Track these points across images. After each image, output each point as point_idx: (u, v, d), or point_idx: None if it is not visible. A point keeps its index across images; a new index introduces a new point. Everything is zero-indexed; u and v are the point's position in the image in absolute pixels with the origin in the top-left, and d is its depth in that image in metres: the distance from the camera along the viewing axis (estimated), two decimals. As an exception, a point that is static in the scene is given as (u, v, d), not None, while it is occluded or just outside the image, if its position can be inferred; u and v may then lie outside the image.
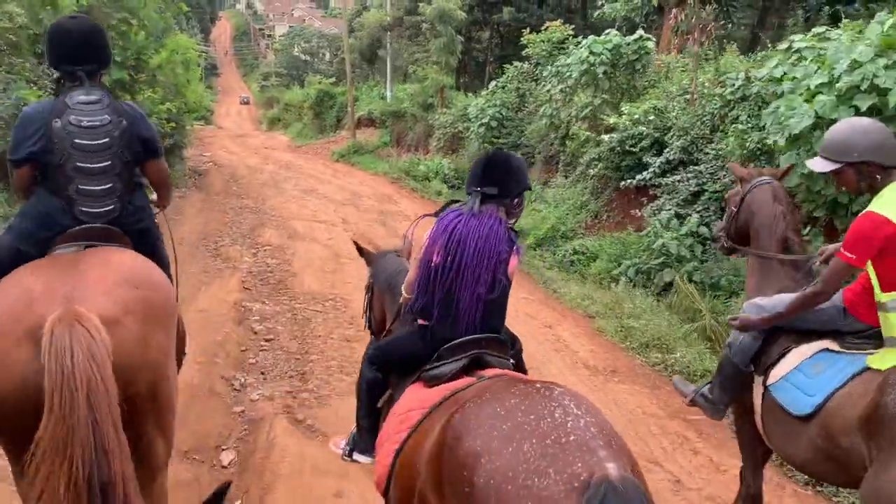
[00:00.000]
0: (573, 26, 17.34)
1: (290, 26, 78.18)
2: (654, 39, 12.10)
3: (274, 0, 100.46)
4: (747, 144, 8.63)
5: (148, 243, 3.17)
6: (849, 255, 2.85)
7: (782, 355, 3.20)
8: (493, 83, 18.01)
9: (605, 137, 11.37)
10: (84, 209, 2.93)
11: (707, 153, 9.96)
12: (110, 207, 2.99)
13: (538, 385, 2.06)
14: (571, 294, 8.43)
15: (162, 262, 3.22)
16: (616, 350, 6.81)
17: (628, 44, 11.74)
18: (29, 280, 2.53)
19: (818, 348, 3.10)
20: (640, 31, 11.91)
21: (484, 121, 17.10)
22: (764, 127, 8.77)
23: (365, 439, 2.94)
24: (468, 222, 2.58)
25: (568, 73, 12.14)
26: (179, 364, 3.33)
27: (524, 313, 7.75)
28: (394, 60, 31.53)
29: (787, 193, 3.77)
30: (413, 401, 2.49)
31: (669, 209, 9.69)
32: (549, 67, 12.85)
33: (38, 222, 2.93)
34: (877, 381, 2.77)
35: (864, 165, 2.89)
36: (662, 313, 7.50)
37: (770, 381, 3.20)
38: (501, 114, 17.12)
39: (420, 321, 2.73)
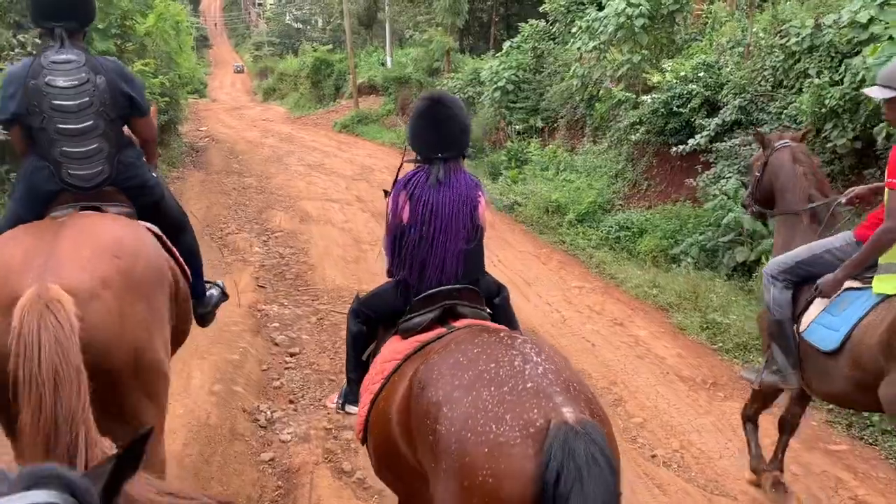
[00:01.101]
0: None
1: (281, -6, 75.54)
2: (697, -13, 10.81)
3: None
4: (826, 101, 7.41)
5: (146, 198, 3.04)
6: None
7: (810, 302, 3.33)
8: (507, 43, 16.61)
9: (647, 98, 10.12)
10: (71, 172, 2.82)
11: (769, 112, 8.73)
12: (98, 169, 2.87)
13: (501, 334, 2.13)
14: (633, 280, 7.26)
15: (168, 219, 3.13)
16: (707, 354, 5.67)
17: (668, -7, 10.44)
18: (9, 249, 2.48)
19: (841, 288, 3.20)
20: (681, -22, 10.60)
21: (500, 84, 15.75)
22: (841, 80, 7.59)
23: (354, 391, 2.89)
24: (442, 193, 2.55)
25: (601, 28, 10.83)
26: (182, 337, 3.20)
27: (586, 306, 6.62)
28: (392, 25, 29.92)
29: (808, 153, 3.85)
30: (389, 352, 2.51)
31: (729, 176, 8.50)
32: (578, 23, 11.55)
33: (28, 188, 2.86)
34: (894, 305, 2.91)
35: None
36: (746, 303, 6.36)
37: (802, 328, 3.34)
38: (518, 76, 15.77)
39: (397, 277, 2.72)
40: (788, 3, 9.69)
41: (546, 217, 9.98)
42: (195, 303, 3.37)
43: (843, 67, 7.70)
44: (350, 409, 2.98)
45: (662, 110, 9.96)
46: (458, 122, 2.65)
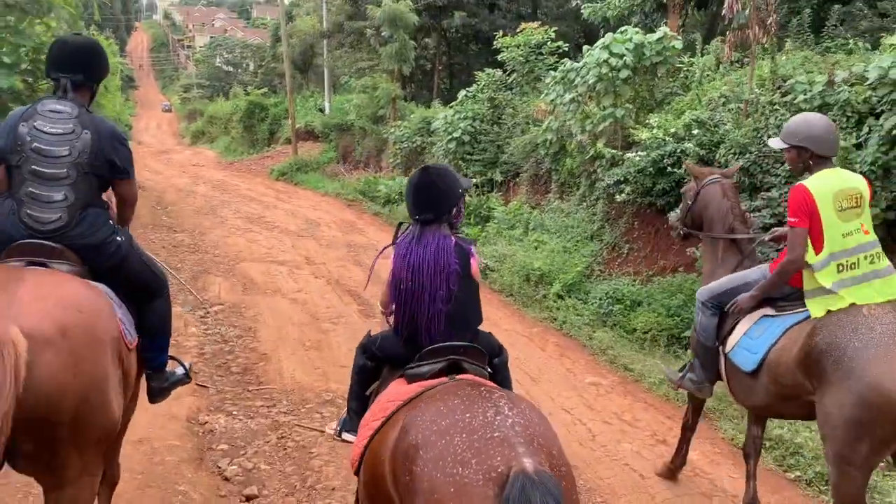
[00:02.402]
0: (555, 29, 15.08)
1: (212, 37, 73.89)
2: (681, 39, 9.93)
3: (193, 10, 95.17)
4: (856, 167, 6.49)
5: (104, 259, 2.96)
6: (795, 220, 3.35)
7: (734, 327, 3.73)
8: (461, 93, 15.57)
9: (631, 155, 9.11)
10: (30, 212, 2.82)
11: (777, 174, 7.81)
12: (56, 216, 2.83)
13: (482, 389, 2.27)
14: (653, 375, 5.99)
15: (133, 283, 3.08)
16: (783, 486, 4.42)
17: (650, 44, 9.54)
18: None
19: (759, 315, 3.64)
20: (665, 29, 9.72)
21: (455, 135, 14.64)
22: (865, 143, 6.75)
23: (353, 421, 2.99)
24: (416, 251, 2.71)
25: (577, 80, 9.84)
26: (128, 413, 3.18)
27: (612, 413, 5.32)
28: (331, 70, 28.70)
29: (735, 190, 4.24)
30: (392, 393, 2.59)
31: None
32: (552, 73, 10.54)
33: None
34: (806, 329, 3.31)
35: (803, 150, 3.45)
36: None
37: (727, 349, 3.74)
38: (474, 127, 14.70)
39: (396, 328, 2.85)
40: (785, 57, 8.92)
41: (528, 287, 8.74)
42: (151, 375, 3.36)
43: (865, 128, 6.87)
44: (347, 437, 3.07)
45: (650, 169, 8.96)
46: (437, 189, 2.80)
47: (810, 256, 3.34)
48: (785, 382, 3.35)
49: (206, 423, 5.03)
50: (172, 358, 3.47)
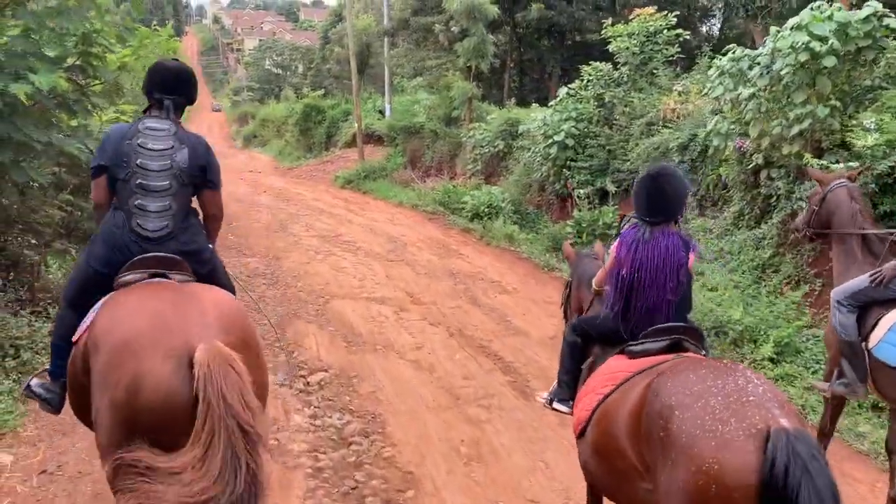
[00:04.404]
0: (676, 13, 12.73)
1: (260, 39, 72.75)
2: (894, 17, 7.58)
3: (242, 14, 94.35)
4: None
5: (202, 265, 3.12)
6: None
7: (877, 322, 3.68)
8: (563, 90, 13.32)
9: (841, 166, 6.79)
10: (139, 222, 2.96)
11: None
12: (164, 223, 3.00)
13: (725, 361, 2.35)
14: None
15: (223, 287, 3.15)
16: None
17: (856, 23, 7.24)
18: (147, 305, 2.55)
19: None
20: (875, 4, 7.39)
21: (557, 138, 12.41)
22: None
23: (564, 393, 3.24)
24: (645, 248, 2.85)
25: (758, 70, 7.56)
26: None
27: None
28: (392, 70, 26.65)
29: (861, 193, 4.19)
30: (619, 366, 2.75)
31: None
32: (717, 62, 8.26)
33: (103, 241, 2.99)
34: None
35: None
36: None
37: (871, 344, 3.69)
38: (579, 129, 12.47)
39: (614, 313, 2.97)
40: None
41: (722, 345, 6.47)
42: None
43: None
44: (559, 406, 3.28)
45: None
46: (668, 194, 2.89)
47: None
48: None
49: None
50: None
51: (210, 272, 3.15)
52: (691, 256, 2.90)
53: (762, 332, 6.39)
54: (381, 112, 26.58)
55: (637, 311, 2.86)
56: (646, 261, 2.82)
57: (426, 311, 7.73)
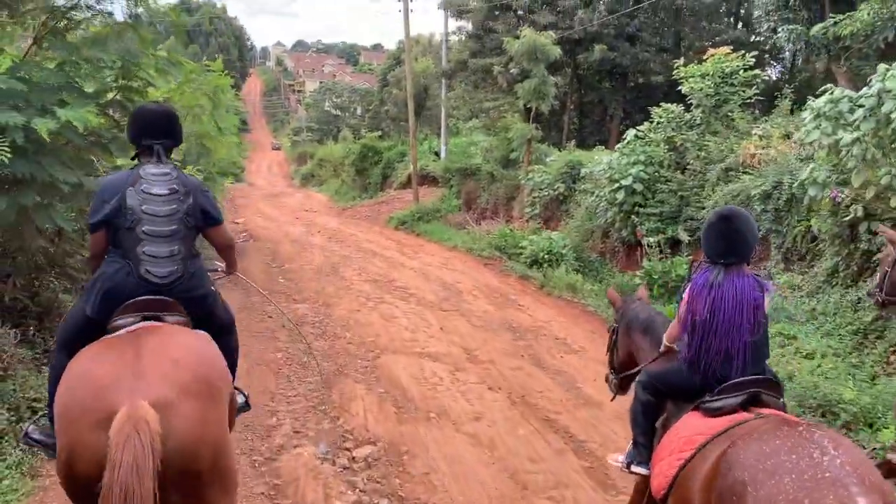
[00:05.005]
0: (753, 54, 11.89)
1: (321, 82, 74.29)
2: None
3: (304, 57, 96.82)
4: None
5: (204, 308, 3.12)
6: None
7: None
8: (630, 132, 12.55)
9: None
10: (149, 269, 2.93)
11: None
12: (173, 268, 2.98)
13: (801, 427, 2.21)
14: None
15: (217, 325, 3.18)
16: None
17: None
18: (97, 366, 2.54)
19: None
20: None
21: (625, 182, 11.61)
22: None
23: (642, 455, 3.09)
24: (720, 290, 2.78)
25: (862, 114, 6.66)
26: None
27: None
28: (448, 111, 26.33)
29: None
30: (696, 426, 2.64)
31: None
32: (811, 104, 7.38)
33: (103, 287, 2.93)
34: None
35: None
36: None
37: None
38: (648, 173, 11.64)
39: (690, 362, 2.86)
40: None
41: (836, 431, 5.50)
42: None
43: None
44: (638, 469, 3.12)
45: None
46: (741, 234, 2.83)
47: None
48: None
49: None
50: (235, 387, 3.24)
51: (212, 310, 3.17)
52: (766, 298, 2.85)
53: (880, 415, 5.40)
54: (437, 153, 26.24)
55: (713, 357, 2.77)
56: (721, 303, 2.76)
57: (484, 373, 6.95)
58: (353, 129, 52.04)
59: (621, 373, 3.82)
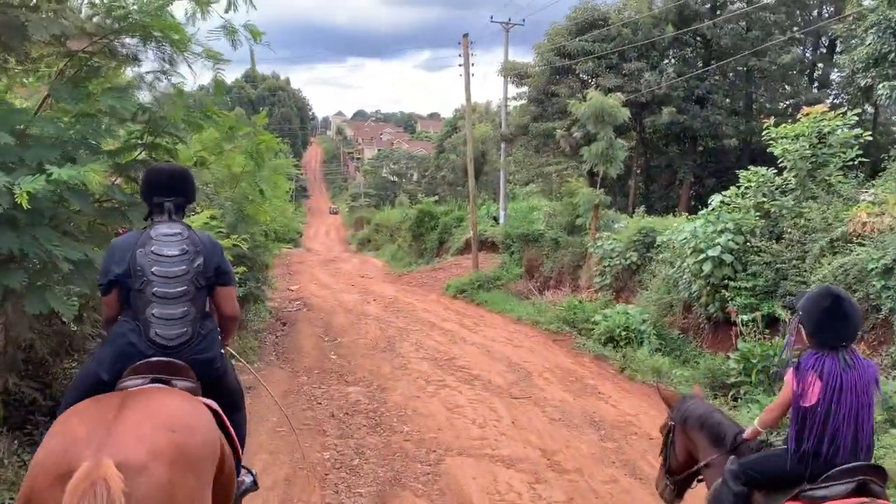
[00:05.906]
0: (856, 112, 10.61)
1: (379, 149, 75.37)
2: None
3: (363, 125, 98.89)
4: None
5: (212, 373, 3.03)
6: None
7: None
8: (715, 198, 11.30)
9: None
10: (158, 332, 2.88)
11: None
12: (183, 330, 2.92)
13: None
14: None
15: (227, 396, 3.08)
16: None
17: None
18: (74, 421, 2.49)
19: None
20: None
21: (712, 253, 10.30)
22: None
23: None
24: (848, 373, 2.68)
25: None
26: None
27: None
28: (507, 176, 25.47)
29: None
30: None
31: None
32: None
33: (113, 349, 2.90)
34: None
35: None
36: None
37: None
38: (737, 242, 10.32)
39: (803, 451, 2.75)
40: None
41: None
42: None
43: None
44: None
45: None
46: (851, 315, 2.78)
47: None
48: None
49: None
50: (242, 466, 3.26)
51: (222, 376, 3.10)
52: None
53: None
54: (495, 218, 25.32)
55: (830, 445, 2.64)
56: (848, 386, 2.65)
57: (571, 487, 5.65)
58: (409, 194, 52.03)
59: (680, 474, 3.62)
